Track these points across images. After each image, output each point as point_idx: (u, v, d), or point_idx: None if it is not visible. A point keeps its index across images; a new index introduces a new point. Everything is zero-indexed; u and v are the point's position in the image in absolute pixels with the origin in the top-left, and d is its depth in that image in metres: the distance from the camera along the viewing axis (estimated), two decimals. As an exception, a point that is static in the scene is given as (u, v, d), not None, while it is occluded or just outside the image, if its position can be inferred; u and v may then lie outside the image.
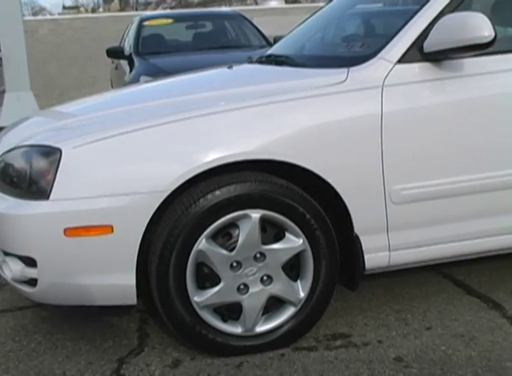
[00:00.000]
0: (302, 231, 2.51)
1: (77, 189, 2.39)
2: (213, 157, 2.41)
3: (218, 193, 2.41)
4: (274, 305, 2.59)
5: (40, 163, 2.46)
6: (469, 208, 2.73)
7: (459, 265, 3.08)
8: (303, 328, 2.64)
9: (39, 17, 29.71)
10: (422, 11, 2.72)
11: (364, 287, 3.04)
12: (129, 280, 2.44)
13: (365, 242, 2.61)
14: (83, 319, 2.94)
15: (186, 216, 2.40)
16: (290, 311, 2.60)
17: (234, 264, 2.48)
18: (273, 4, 23.05)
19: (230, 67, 3.49)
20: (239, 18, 8.79)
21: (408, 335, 2.68)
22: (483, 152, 2.71)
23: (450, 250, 2.78)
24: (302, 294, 2.58)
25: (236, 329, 2.56)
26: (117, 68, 8.91)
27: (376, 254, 2.66)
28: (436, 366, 2.44)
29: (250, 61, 3.70)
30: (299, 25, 3.97)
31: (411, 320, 2.81)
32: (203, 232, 2.42)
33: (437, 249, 2.75)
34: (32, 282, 2.50)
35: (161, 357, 2.60)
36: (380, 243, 2.66)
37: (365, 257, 2.63)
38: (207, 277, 2.50)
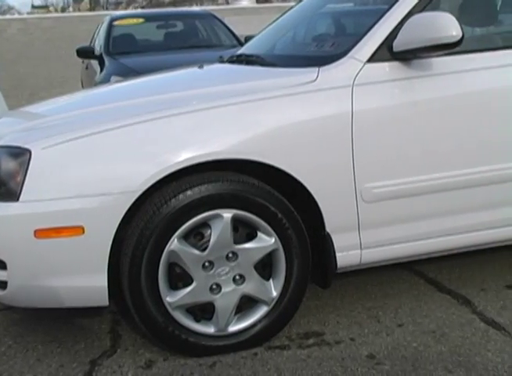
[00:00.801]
0: (274, 230, 2.52)
1: (47, 191, 2.36)
2: (184, 156, 2.41)
3: (189, 193, 2.41)
4: (247, 304, 2.59)
5: (9, 164, 2.44)
6: (440, 206, 2.76)
7: (430, 262, 3.11)
8: (276, 327, 2.65)
9: (7, 16, 29.36)
10: (391, 11, 2.74)
11: (336, 285, 3.06)
12: (101, 281, 2.42)
13: (337, 240, 2.63)
14: (54, 322, 2.91)
15: (158, 216, 2.39)
16: (262, 310, 2.60)
17: (206, 264, 2.48)
18: (244, 3, 23.04)
19: (201, 67, 3.49)
20: (211, 17, 8.78)
21: (380, 332, 2.71)
22: (453, 150, 2.73)
23: (421, 247, 2.81)
24: (275, 293, 2.59)
25: (209, 329, 2.56)
26: (87, 68, 8.84)
27: (347, 252, 2.67)
28: (407, 363, 2.46)
29: (221, 61, 3.70)
30: (270, 24, 3.98)
31: (383, 318, 2.83)
32: (174, 232, 2.41)
33: (408, 247, 2.78)
34: (2, 284, 2.47)
35: (134, 358, 2.59)
36: (352, 241, 2.67)
37: (337, 255, 2.65)
38: (179, 277, 2.49)
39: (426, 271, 3.29)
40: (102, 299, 2.46)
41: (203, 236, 2.49)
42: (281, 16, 3.99)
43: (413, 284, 3.16)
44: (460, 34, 2.53)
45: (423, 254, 2.87)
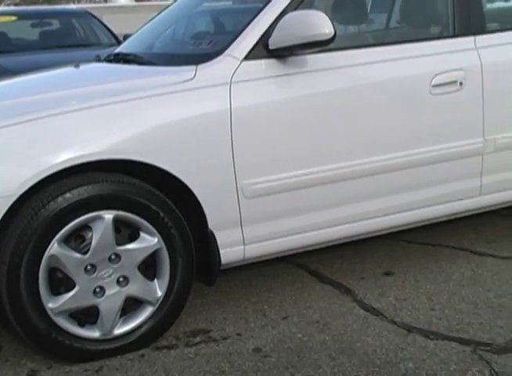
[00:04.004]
0: (157, 230, 2.50)
1: None
2: (63, 158, 2.35)
3: (68, 195, 2.36)
4: (132, 305, 2.57)
5: None
6: (320, 199, 2.84)
7: (312, 254, 3.19)
8: (162, 327, 2.63)
9: None
10: (265, 9, 2.79)
11: (221, 281, 3.08)
12: (-24, 291, 2.33)
13: (220, 237, 2.65)
14: None
15: (36, 221, 2.32)
16: (148, 311, 2.58)
17: (88, 267, 2.43)
18: (122, 1, 22.66)
19: (77, 66, 3.41)
20: (88, 16, 8.58)
21: (266, 326, 2.75)
22: (329, 144, 2.81)
23: (303, 240, 2.88)
24: (160, 293, 2.58)
25: (94, 333, 2.51)
26: (-43, 68, 8.43)
27: (231, 248, 2.70)
28: (293, 354, 2.52)
29: (98, 60, 3.62)
30: (148, 23, 3.94)
31: (268, 311, 2.88)
32: (54, 236, 2.35)
33: (290, 240, 2.84)
34: None
35: (15, 370, 2.50)
36: (235, 237, 2.70)
37: (221, 252, 2.67)
38: (61, 282, 2.43)
39: (308, 263, 3.37)
40: (-21, 310, 2.37)
41: (84, 239, 2.44)
42: (159, 14, 3.96)
43: (297, 277, 3.24)
44: (333, 32, 2.61)
45: (304, 246, 2.95)
